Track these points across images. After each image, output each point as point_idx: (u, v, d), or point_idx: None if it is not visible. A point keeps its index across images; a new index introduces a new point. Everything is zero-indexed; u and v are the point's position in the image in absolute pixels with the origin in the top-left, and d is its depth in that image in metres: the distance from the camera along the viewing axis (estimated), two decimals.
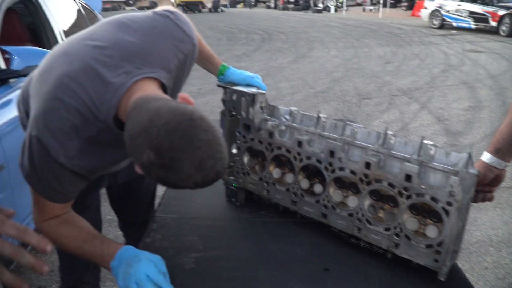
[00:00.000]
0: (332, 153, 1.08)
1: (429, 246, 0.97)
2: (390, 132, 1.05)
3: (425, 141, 1.00)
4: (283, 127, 1.19)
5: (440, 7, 13.95)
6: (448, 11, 13.71)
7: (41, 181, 0.96)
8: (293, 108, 1.22)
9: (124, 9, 23.12)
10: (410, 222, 1.00)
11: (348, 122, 1.13)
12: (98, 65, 0.91)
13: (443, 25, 13.99)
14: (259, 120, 1.23)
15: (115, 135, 0.93)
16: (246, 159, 1.29)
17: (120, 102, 0.89)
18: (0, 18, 2.29)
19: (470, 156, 0.94)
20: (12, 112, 2.09)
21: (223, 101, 1.28)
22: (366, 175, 1.03)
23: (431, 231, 0.97)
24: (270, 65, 8.41)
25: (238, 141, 1.27)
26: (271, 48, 10.31)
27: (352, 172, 1.05)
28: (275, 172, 1.23)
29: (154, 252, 1.09)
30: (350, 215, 1.09)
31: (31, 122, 0.93)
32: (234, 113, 1.26)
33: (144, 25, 1.00)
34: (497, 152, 1.09)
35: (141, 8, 23.78)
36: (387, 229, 1.03)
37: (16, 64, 2.08)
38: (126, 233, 1.73)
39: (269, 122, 1.19)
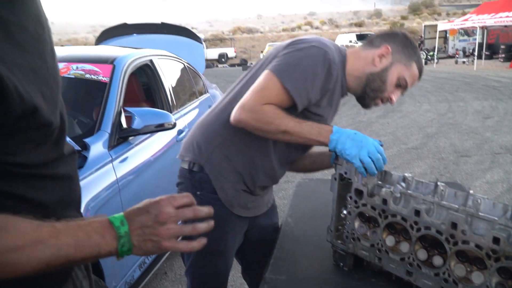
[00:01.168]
0: (454, 225, 1.04)
1: None
2: None
3: None
4: (398, 195, 1.18)
5: None
6: None
7: (302, 75, 1.32)
8: (407, 174, 1.22)
9: (216, 66, 24.83)
10: None
11: (470, 193, 1.09)
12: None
13: None
14: (372, 186, 1.24)
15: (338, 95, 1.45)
16: (356, 224, 1.29)
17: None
18: (125, 83, 2.62)
19: None
20: (128, 167, 2.33)
21: (335, 164, 1.31)
22: (494, 251, 0.98)
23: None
24: (359, 119, 8.36)
25: (349, 206, 1.29)
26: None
27: (478, 246, 1.01)
28: (389, 240, 1.21)
29: None
30: None
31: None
32: (346, 177, 1.29)
33: None
34: None
35: (232, 65, 25.39)
36: None
37: (136, 123, 2.34)
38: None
39: (384, 189, 1.19)
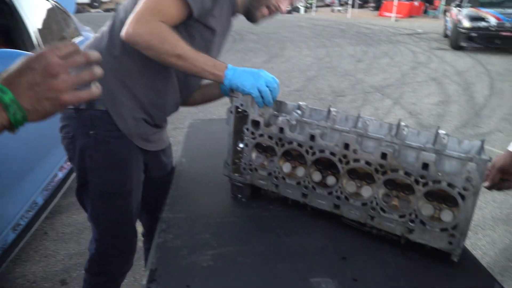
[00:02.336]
0: (346, 146, 1.09)
1: (444, 229, 1.01)
2: (403, 124, 1.08)
3: (441, 131, 1.04)
4: (294, 122, 1.20)
5: None
6: None
7: None
8: (301, 103, 1.24)
9: (89, 11, 22.57)
10: (425, 208, 1.03)
11: (360, 115, 1.15)
12: None
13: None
14: (268, 116, 1.24)
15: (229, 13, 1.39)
16: (254, 155, 1.29)
17: None
18: None
19: (483, 144, 0.98)
20: None
21: (231, 97, 1.27)
22: (381, 166, 1.05)
23: (446, 216, 1.00)
24: (243, 65, 8.42)
25: (246, 138, 1.27)
26: (243, 49, 10.34)
27: (367, 163, 1.08)
28: (285, 167, 1.24)
29: (168, 251, 1.09)
30: (364, 204, 1.11)
31: None
32: (241, 110, 1.26)
33: None
34: None
35: (107, 10, 23.30)
36: (401, 216, 1.06)
37: None
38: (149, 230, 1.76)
39: (280, 118, 1.19)
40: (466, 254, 1.08)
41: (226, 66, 1.26)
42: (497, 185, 1.37)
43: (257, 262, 1.06)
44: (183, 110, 1.67)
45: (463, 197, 0.96)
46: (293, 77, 7.40)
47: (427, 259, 1.05)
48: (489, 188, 1.38)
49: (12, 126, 0.62)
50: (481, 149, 0.99)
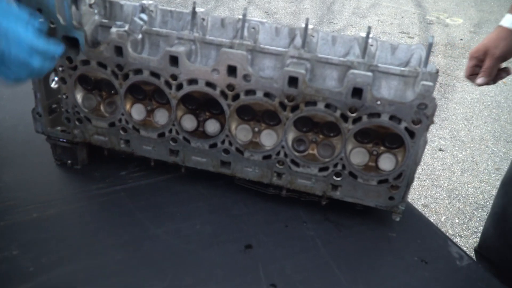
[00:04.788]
0: (232, 69, 0.66)
1: (382, 181, 0.70)
2: (310, 26, 0.68)
3: (362, 34, 0.67)
4: (139, 36, 0.71)
5: None
6: None
7: None
8: (146, 2, 0.74)
9: None
10: (357, 154, 0.70)
11: (240, 17, 0.71)
12: None
13: None
14: (93, 27, 0.72)
15: None
16: (79, 96, 0.78)
17: None
18: None
19: (430, 47, 0.64)
20: None
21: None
22: (290, 97, 0.66)
23: (387, 162, 0.69)
24: None
25: (60, 68, 0.75)
26: None
27: (267, 95, 0.67)
28: (136, 111, 0.77)
29: None
30: (266, 157, 0.73)
31: None
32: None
33: None
34: None
35: None
36: (323, 169, 0.71)
37: None
38: None
39: (114, 29, 0.69)
40: (410, 210, 0.81)
41: None
42: (495, 77, 0.95)
43: (114, 284, 0.63)
44: None
45: (412, 134, 0.65)
46: None
47: (361, 223, 0.76)
48: (486, 83, 0.95)
49: None
50: (427, 58, 0.66)
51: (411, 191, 2.01)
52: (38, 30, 0.60)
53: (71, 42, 0.72)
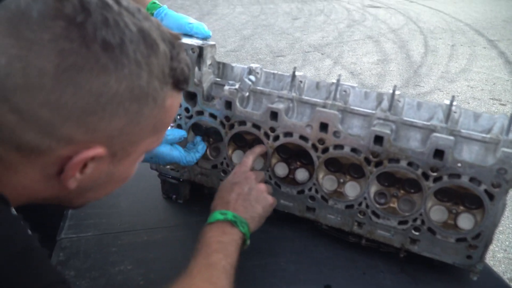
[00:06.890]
0: (324, 126, 0.76)
1: (461, 240, 0.73)
2: (398, 92, 0.77)
3: (446, 102, 0.74)
4: (246, 93, 0.84)
5: None
6: None
7: None
8: (254, 65, 0.88)
9: None
10: (436, 211, 0.74)
11: (333, 81, 0.82)
12: None
13: None
14: (209, 85, 0.87)
15: None
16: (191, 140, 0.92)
17: None
18: None
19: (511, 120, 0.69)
20: None
21: None
22: (374, 154, 0.74)
23: (466, 222, 0.72)
24: None
25: (178, 117, 0.90)
26: (171, 5, 9.52)
27: (354, 150, 0.76)
28: (236, 156, 0.89)
29: None
30: (349, 207, 0.80)
31: None
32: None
33: None
34: None
35: None
36: (402, 222, 0.76)
37: None
38: None
39: (226, 87, 0.83)
40: (487, 271, 0.82)
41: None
42: None
43: None
44: None
45: (491, 196, 0.68)
46: (228, 36, 6.91)
47: (436, 278, 0.78)
48: None
49: (244, 238, 0.69)
50: (509, 126, 0.70)
51: (496, 263, 1.92)
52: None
53: (190, 96, 0.88)
